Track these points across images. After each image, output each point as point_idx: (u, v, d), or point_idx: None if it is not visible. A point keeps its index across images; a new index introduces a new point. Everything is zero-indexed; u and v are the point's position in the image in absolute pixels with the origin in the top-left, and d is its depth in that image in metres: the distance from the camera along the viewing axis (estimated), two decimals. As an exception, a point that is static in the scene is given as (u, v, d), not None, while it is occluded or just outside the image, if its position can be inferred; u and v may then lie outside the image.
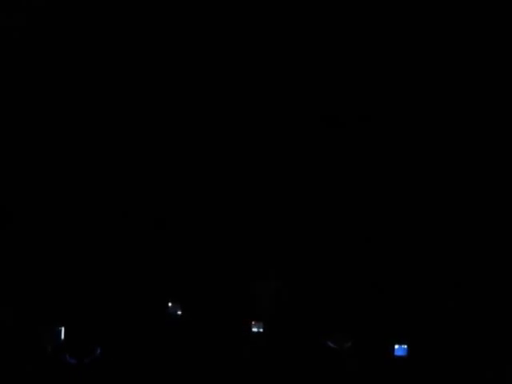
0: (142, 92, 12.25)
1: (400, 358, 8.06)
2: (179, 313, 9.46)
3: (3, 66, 11.48)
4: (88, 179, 12.39)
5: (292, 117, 12.42)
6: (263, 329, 8.23)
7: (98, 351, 5.91)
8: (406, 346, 7.78)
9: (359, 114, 12.26)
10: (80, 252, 12.27)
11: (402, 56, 11.56)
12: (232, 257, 11.61)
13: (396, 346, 7.61)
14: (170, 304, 10.00)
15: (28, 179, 12.24)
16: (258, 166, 12.43)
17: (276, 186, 12.40)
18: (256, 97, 12.36)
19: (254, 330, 8.19)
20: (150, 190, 12.42)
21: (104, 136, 12.48)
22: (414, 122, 12.20)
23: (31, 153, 12.15)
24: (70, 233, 12.24)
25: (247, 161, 12.48)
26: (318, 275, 12.04)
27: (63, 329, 6.44)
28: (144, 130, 12.51)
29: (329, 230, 12.39)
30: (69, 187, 12.26)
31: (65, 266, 12.01)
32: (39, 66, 11.71)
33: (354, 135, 12.43)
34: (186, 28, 11.49)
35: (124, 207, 12.55)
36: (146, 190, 12.40)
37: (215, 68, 12.02)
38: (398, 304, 11.05)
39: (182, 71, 12.11)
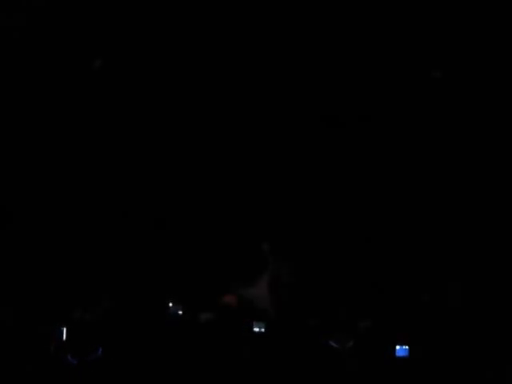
0: (142, 92, 12.25)
1: (401, 358, 8.05)
2: (180, 313, 9.44)
3: (3, 65, 11.47)
4: (87, 179, 12.39)
5: (292, 117, 12.43)
6: (265, 328, 8.20)
7: (100, 351, 5.89)
8: (407, 347, 7.76)
9: (359, 114, 12.27)
10: (81, 252, 12.27)
11: (401, 56, 11.56)
12: (233, 256, 11.60)
13: (397, 347, 7.59)
14: (170, 304, 9.97)
15: (28, 179, 12.24)
16: (258, 167, 12.42)
17: (276, 186, 12.39)
18: (255, 97, 12.36)
19: (256, 329, 8.16)
20: (150, 190, 12.41)
21: (104, 136, 12.48)
22: (413, 122, 12.20)
23: (31, 153, 12.16)
24: (71, 233, 12.24)
25: (247, 161, 12.48)
26: (318, 274, 12.04)
27: (65, 329, 6.43)
28: (144, 130, 12.52)
29: (329, 230, 12.40)
30: (68, 187, 12.25)
31: (65, 267, 12.01)
32: (39, 66, 11.70)
33: (354, 135, 12.44)
34: (186, 29, 11.49)
35: (124, 207, 12.56)
36: (146, 190, 12.39)
37: (214, 68, 12.02)
38: (400, 304, 11.05)
39: (182, 71, 12.11)
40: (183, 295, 10.36)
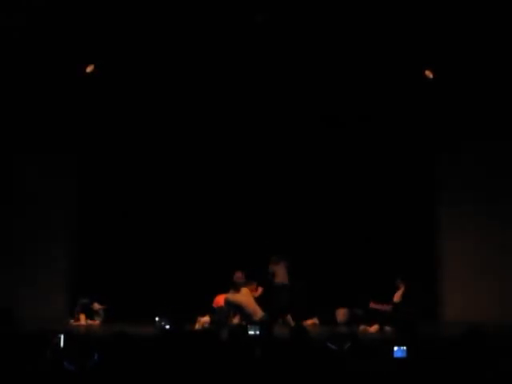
0: (142, 92, 12.28)
1: (399, 359, 8.04)
2: (167, 327, 9.45)
3: (3, 65, 11.50)
4: (87, 179, 12.43)
5: (292, 117, 12.44)
6: (259, 331, 8.17)
7: (96, 357, 5.92)
8: (405, 348, 7.74)
9: (359, 113, 12.28)
10: (79, 258, 12.32)
11: (402, 57, 11.57)
12: (221, 268, 11.63)
13: (395, 348, 7.57)
14: (157, 318, 9.98)
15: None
16: (258, 168, 12.43)
17: (276, 189, 12.41)
18: (256, 97, 12.38)
19: (251, 332, 8.14)
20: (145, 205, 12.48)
21: (103, 136, 12.52)
22: (413, 122, 12.22)
23: (30, 151, 12.21)
24: (69, 235, 12.29)
25: (247, 162, 12.49)
26: (316, 276, 12.06)
27: (62, 336, 6.45)
28: (144, 131, 12.55)
29: (327, 232, 12.42)
30: (68, 187, 12.30)
31: (62, 275, 12.06)
32: (39, 66, 11.74)
33: (354, 135, 12.46)
34: (187, 32, 11.51)
35: (124, 208, 12.60)
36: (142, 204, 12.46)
37: (214, 68, 12.04)
38: (399, 305, 11.07)
39: (182, 71, 12.13)
40: (169, 309, 10.41)
